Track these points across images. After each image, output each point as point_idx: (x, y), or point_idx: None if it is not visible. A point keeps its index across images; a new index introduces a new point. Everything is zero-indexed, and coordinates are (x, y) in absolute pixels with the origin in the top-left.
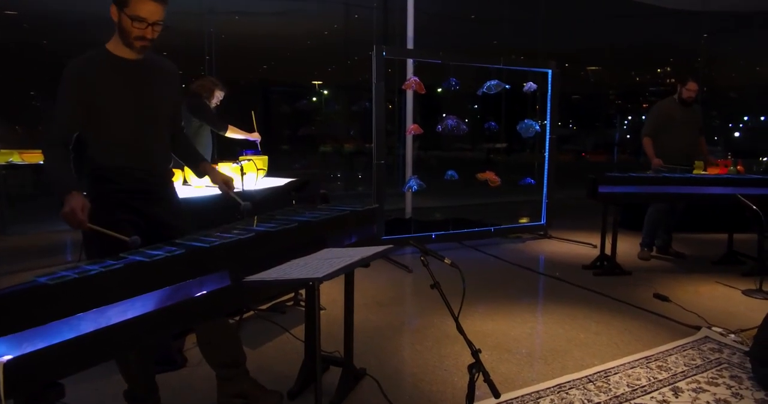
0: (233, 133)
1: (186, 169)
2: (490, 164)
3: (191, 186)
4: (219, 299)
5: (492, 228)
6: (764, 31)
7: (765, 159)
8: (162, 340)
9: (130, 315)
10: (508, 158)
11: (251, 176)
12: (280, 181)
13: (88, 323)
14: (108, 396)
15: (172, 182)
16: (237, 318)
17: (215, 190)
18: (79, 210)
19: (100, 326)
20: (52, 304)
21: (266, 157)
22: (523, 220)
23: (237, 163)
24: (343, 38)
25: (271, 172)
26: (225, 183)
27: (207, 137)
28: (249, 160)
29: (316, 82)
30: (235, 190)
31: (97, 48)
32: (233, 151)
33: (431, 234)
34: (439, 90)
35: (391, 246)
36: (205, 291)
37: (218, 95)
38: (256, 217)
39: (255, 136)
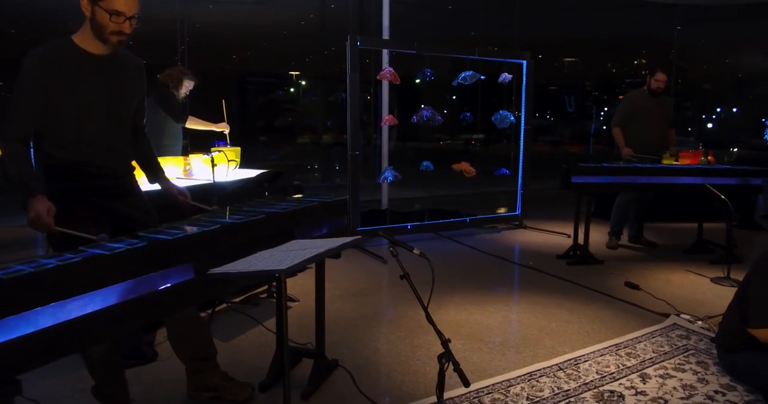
0: (196, 125)
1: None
2: (467, 155)
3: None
4: (184, 292)
5: (467, 218)
6: (735, 23)
7: (735, 149)
8: (129, 335)
9: (90, 309)
10: (487, 149)
11: (222, 168)
12: (254, 173)
13: (46, 318)
14: (77, 391)
15: (134, 177)
16: (209, 311)
17: (185, 182)
18: (44, 215)
19: (59, 321)
20: (6, 299)
21: (239, 149)
22: (501, 210)
23: (207, 155)
24: (320, 28)
25: (247, 163)
26: (182, 194)
27: (176, 128)
28: (220, 151)
29: (293, 73)
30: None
31: (62, 39)
32: (207, 142)
33: (407, 225)
34: (418, 81)
35: (359, 237)
36: (169, 285)
37: (187, 85)
38: (228, 208)
39: (222, 127)
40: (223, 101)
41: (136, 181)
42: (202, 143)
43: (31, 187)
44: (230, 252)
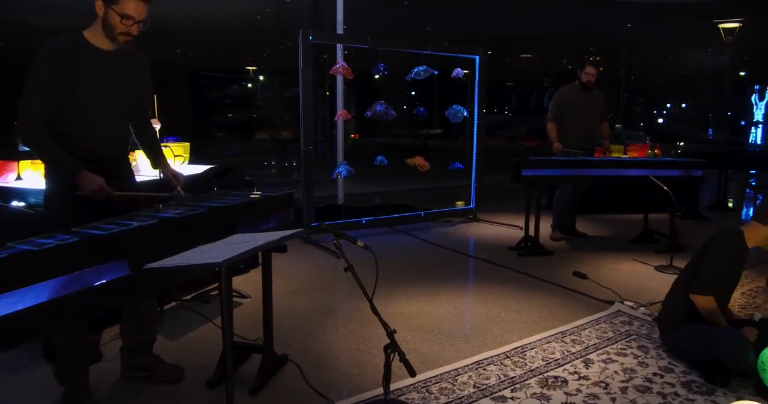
0: None
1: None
2: (426, 150)
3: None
4: (120, 288)
5: (422, 212)
6: (683, 22)
7: (682, 143)
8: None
9: (21, 306)
10: (445, 144)
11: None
12: (204, 169)
13: None
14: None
15: (129, 165)
16: (159, 310)
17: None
18: (104, 184)
19: None
20: None
21: (187, 144)
22: (460, 204)
23: None
24: (275, 22)
25: (199, 159)
26: (175, 177)
27: None
28: (166, 146)
29: (250, 68)
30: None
31: (73, 33)
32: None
33: (362, 220)
34: (377, 76)
35: (300, 229)
36: (104, 280)
37: None
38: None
39: (153, 123)
40: (155, 97)
41: (131, 169)
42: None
43: (74, 166)
44: (169, 248)
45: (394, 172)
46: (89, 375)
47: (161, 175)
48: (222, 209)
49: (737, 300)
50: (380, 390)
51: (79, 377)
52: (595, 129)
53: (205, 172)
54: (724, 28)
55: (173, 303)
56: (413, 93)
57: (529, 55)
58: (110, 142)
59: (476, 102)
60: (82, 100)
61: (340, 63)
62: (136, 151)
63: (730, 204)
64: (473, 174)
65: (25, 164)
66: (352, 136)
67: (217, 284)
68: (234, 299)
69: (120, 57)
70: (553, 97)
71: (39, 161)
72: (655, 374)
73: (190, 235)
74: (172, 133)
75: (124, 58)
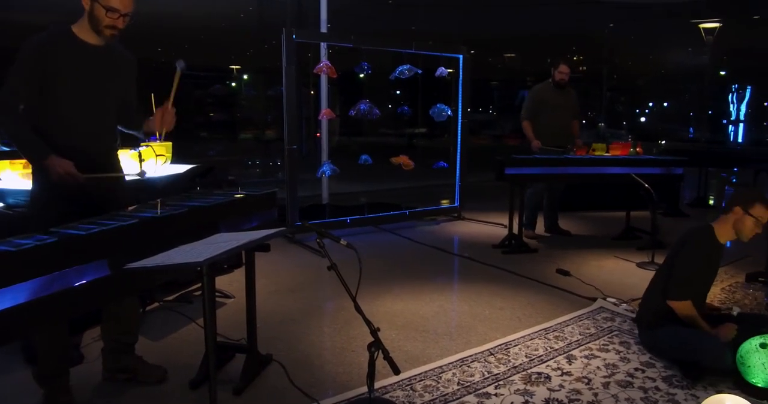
0: None
1: None
2: (411, 149)
3: None
4: (101, 288)
5: (407, 211)
6: (664, 22)
7: (663, 142)
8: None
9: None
10: (429, 142)
11: (151, 163)
12: (186, 168)
13: None
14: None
15: (115, 158)
16: (140, 310)
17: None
18: (72, 168)
19: None
20: None
21: (170, 144)
22: (444, 202)
23: (135, 150)
24: (258, 21)
25: (182, 159)
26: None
27: None
28: (148, 145)
29: (234, 67)
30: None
31: (61, 26)
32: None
33: (346, 219)
34: (361, 75)
35: (283, 228)
36: (84, 281)
37: None
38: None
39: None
40: (152, 95)
41: (120, 165)
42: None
43: (44, 151)
44: (150, 247)
45: (375, 170)
46: (70, 377)
47: (145, 130)
48: (204, 208)
49: (717, 296)
50: (365, 389)
51: (59, 379)
52: (568, 127)
53: (188, 171)
54: (704, 28)
55: (156, 304)
56: (398, 92)
57: (512, 55)
58: (92, 138)
59: (460, 101)
60: (64, 94)
61: (324, 62)
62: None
63: (711, 202)
64: (457, 172)
65: (3, 164)
66: (318, 135)
67: (199, 285)
68: (218, 299)
69: (107, 54)
70: (527, 95)
71: (18, 161)
72: (636, 369)
73: (172, 235)
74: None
75: (112, 55)
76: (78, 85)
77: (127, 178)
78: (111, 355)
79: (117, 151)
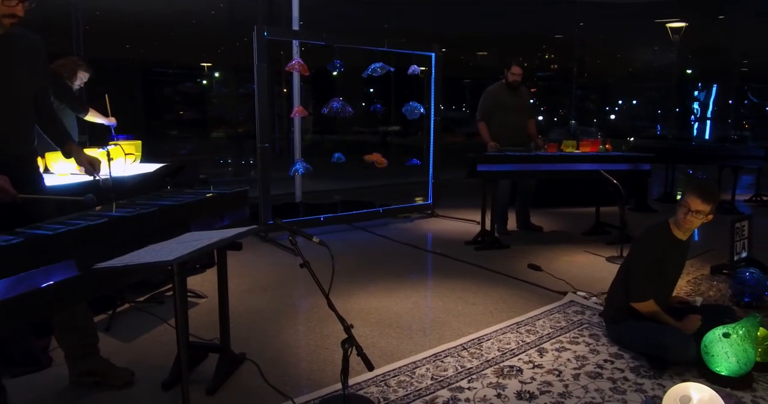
0: (94, 117)
1: (47, 155)
2: (384, 146)
3: (55, 174)
4: (70, 289)
5: (380, 209)
6: (632, 22)
7: (632, 139)
8: (18, 337)
9: None
10: (403, 140)
11: (120, 162)
12: (156, 167)
13: None
14: None
15: (37, 165)
16: (110, 311)
17: (82, 178)
18: (7, 185)
19: None
20: None
21: (139, 142)
22: (418, 199)
23: (103, 148)
24: (229, 18)
25: (152, 157)
26: (90, 164)
27: (70, 119)
28: (116, 144)
29: (205, 64)
30: (101, 174)
31: None
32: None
33: (320, 217)
34: (334, 73)
35: (254, 226)
36: (52, 282)
37: (82, 76)
38: (115, 203)
39: (111, 121)
40: (107, 96)
41: (39, 171)
42: (103, 138)
43: None
44: (119, 247)
45: (348, 168)
46: (37, 381)
47: (76, 163)
48: (174, 207)
49: (683, 288)
50: (340, 385)
51: None
52: (523, 126)
53: (158, 170)
54: (671, 28)
55: (127, 305)
56: (371, 90)
57: (485, 53)
58: (14, 139)
59: (432, 98)
60: None
61: (296, 59)
62: (85, 150)
63: (678, 197)
64: (430, 170)
65: None
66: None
67: (170, 285)
68: (190, 299)
69: (8, 41)
70: (482, 96)
71: None
72: (605, 360)
73: (142, 234)
74: (123, 130)
75: (13, 42)
76: None
77: (83, 180)
78: (74, 360)
79: (37, 155)
